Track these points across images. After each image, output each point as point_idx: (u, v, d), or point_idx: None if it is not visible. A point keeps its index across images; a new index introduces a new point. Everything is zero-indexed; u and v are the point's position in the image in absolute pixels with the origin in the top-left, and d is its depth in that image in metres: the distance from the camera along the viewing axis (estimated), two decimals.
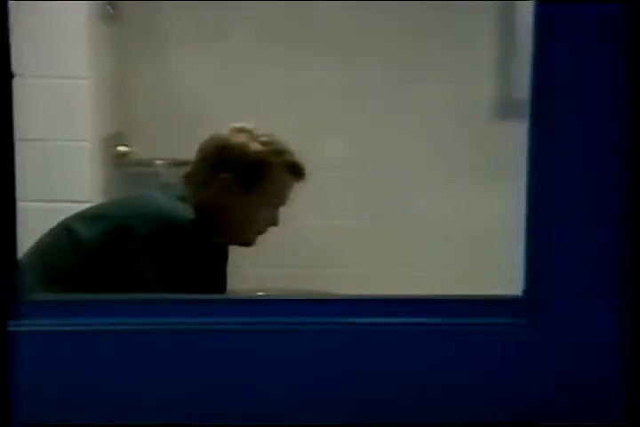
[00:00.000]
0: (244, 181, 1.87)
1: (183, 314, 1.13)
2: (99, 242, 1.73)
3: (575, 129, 1.11)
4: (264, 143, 1.89)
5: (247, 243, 1.95)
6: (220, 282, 1.95)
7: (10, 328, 1.08)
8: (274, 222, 1.94)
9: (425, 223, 2.78)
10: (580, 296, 1.13)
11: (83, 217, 1.82)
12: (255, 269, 2.66)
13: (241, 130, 1.91)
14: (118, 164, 2.68)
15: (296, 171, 1.91)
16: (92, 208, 1.92)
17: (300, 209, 2.73)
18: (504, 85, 2.77)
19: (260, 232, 1.94)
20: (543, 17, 1.10)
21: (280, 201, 1.94)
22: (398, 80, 2.76)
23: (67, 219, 1.83)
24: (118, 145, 2.70)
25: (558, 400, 1.13)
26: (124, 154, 2.71)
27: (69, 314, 1.12)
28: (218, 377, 1.13)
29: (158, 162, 2.71)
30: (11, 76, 1.06)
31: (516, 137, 2.45)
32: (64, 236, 1.78)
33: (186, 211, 1.80)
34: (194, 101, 2.75)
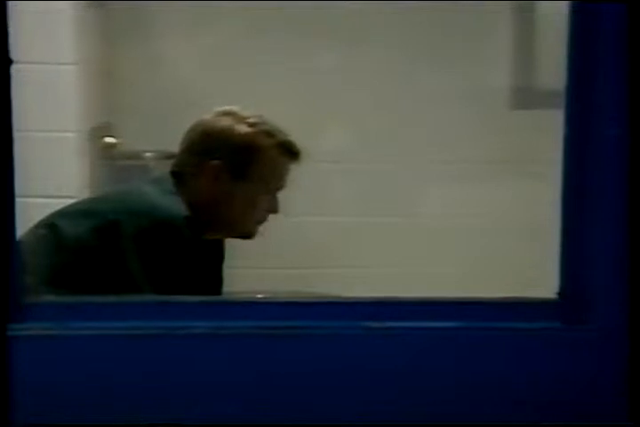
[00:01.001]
0: (234, 168, 1.84)
1: (188, 317, 1.12)
2: (85, 240, 1.70)
3: (615, 121, 1.09)
4: (251, 124, 1.85)
5: (248, 234, 1.91)
6: (215, 283, 1.94)
7: (10, 332, 1.08)
8: (274, 209, 1.91)
9: (436, 221, 2.78)
10: (620, 298, 1.10)
11: (67, 213, 1.80)
12: (252, 270, 2.66)
13: (225, 113, 1.87)
14: (105, 156, 2.66)
15: (290, 151, 1.87)
16: (77, 204, 1.90)
17: (299, 205, 2.74)
18: (523, 73, 2.75)
19: (261, 221, 1.91)
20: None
21: (277, 185, 1.91)
22: (407, 67, 2.75)
23: (50, 216, 1.80)
24: (105, 136, 2.68)
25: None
26: (111, 146, 2.69)
27: (70, 317, 1.12)
28: (222, 382, 1.12)
29: (148, 154, 2.68)
30: (9, 62, 1.04)
31: (535, 128, 2.43)
32: (47, 234, 1.75)
33: (178, 207, 1.77)
34: (185, 90, 2.73)
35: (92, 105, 2.59)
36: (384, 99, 2.77)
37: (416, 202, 2.86)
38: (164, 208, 1.74)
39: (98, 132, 2.64)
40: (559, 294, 1.13)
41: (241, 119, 1.86)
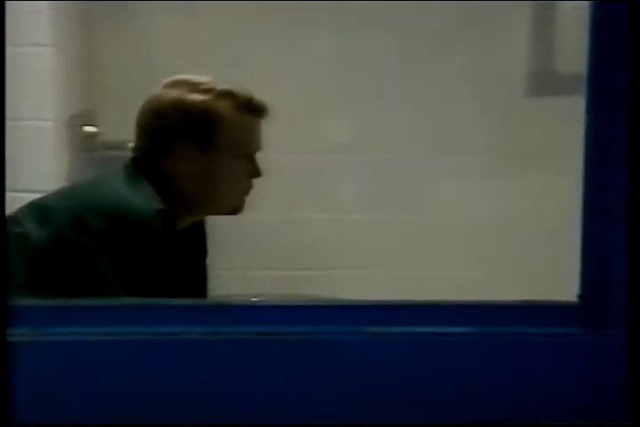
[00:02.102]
0: (199, 142, 1.84)
1: (175, 322, 1.12)
2: (49, 240, 1.70)
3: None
4: (204, 91, 1.85)
5: (236, 208, 1.92)
6: (198, 283, 1.94)
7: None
8: (255, 173, 1.91)
9: (444, 218, 2.78)
10: None
11: (33, 209, 1.80)
12: (247, 272, 2.66)
13: (174, 84, 1.86)
14: (86, 147, 2.67)
15: (252, 108, 1.87)
16: (41, 199, 1.88)
17: (300, 201, 2.75)
18: (540, 56, 2.75)
19: (246, 191, 1.91)
20: None
21: (251, 148, 1.91)
22: (416, 51, 2.74)
23: (17, 211, 1.80)
24: (85, 125, 2.69)
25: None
26: (92, 135, 2.69)
27: (46, 322, 1.11)
28: (212, 393, 1.11)
29: (131, 144, 2.69)
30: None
31: (554, 117, 2.43)
32: (13, 233, 1.74)
33: (149, 198, 1.77)
34: (171, 76, 2.73)
35: (71, 91, 2.58)
36: (389, 86, 2.77)
37: (422, 198, 2.85)
38: (132, 201, 1.74)
39: (77, 120, 2.64)
40: (580, 296, 1.12)
41: (192, 87, 1.85)
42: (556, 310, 1.13)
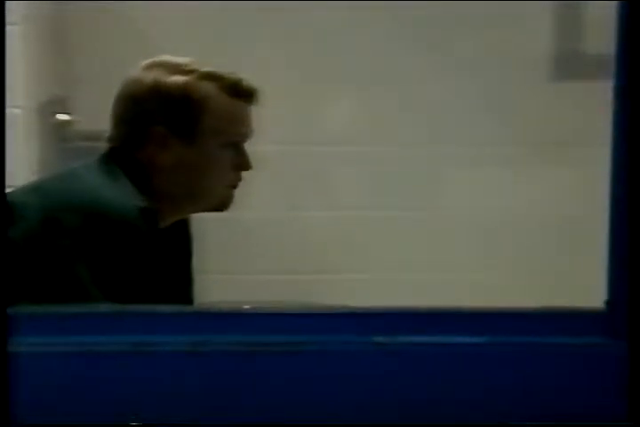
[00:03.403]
0: (180, 128, 1.84)
1: (161, 331, 1.13)
2: (21, 242, 1.69)
3: None
4: (186, 72, 1.85)
5: (223, 204, 1.93)
6: (183, 288, 1.96)
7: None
8: (243, 165, 1.91)
9: (459, 215, 2.78)
10: None
11: None
12: (238, 276, 2.66)
13: (152, 65, 1.87)
14: (58, 136, 2.68)
15: (240, 91, 1.87)
16: (10, 195, 1.84)
17: (299, 198, 2.75)
18: (566, 36, 2.75)
19: (234, 184, 1.91)
20: None
21: (239, 136, 1.91)
22: (430, 32, 2.74)
23: None
24: (58, 113, 2.70)
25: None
26: (65, 124, 2.70)
27: (23, 332, 1.12)
28: (201, 409, 1.12)
29: (107, 134, 2.69)
30: None
31: (581, 103, 2.44)
32: None
33: (128, 194, 1.77)
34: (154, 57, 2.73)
35: (42, 75, 2.59)
36: (399, 70, 2.77)
37: (434, 193, 2.86)
38: (110, 198, 1.74)
39: (49, 107, 2.65)
40: (607, 302, 1.13)
41: (172, 68, 1.85)
42: (579, 318, 1.13)
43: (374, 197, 2.85)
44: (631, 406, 1.10)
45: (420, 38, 2.75)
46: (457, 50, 2.75)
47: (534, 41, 2.77)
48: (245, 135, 1.91)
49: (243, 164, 1.90)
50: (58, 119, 2.69)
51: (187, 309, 1.54)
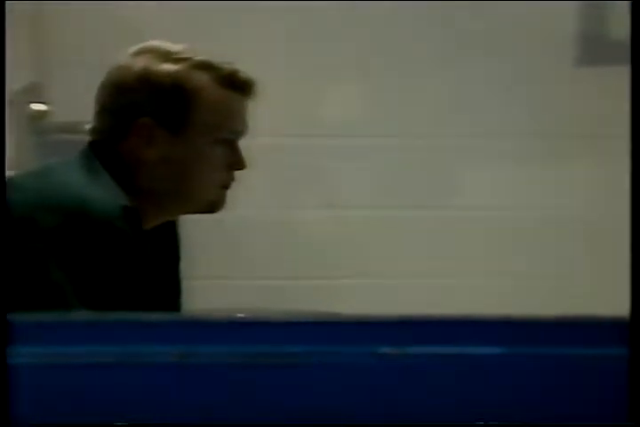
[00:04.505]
0: (169, 120, 1.85)
1: (149, 341, 1.13)
2: None
3: None
4: (178, 60, 1.86)
5: (214, 205, 1.93)
6: (170, 294, 1.97)
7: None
8: (237, 163, 1.92)
9: (475, 215, 2.78)
10: None
11: None
12: (229, 281, 2.67)
13: (142, 51, 1.88)
14: (34, 128, 2.69)
15: (236, 83, 1.89)
16: None
17: (297, 196, 2.75)
18: (593, 18, 2.76)
19: (226, 184, 1.92)
20: None
21: (233, 131, 1.92)
22: (442, 10, 2.75)
23: None
24: (33, 102, 2.71)
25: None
26: (41, 115, 2.71)
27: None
28: (195, 421, 1.13)
29: (89, 126, 2.69)
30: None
31: (608, 90, 2.45)
32: None
33: (111, 192, 1.79)
34: (141, 40, 2.73)
35: (15, 60, 2.59)
36: (410, 54, 2.77)
37: (450, 190, 2.86)
38: (91, 196, 1.75)
39: (23, 96, 2.65)
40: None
41: (163, 55, 1.87)
42: (604, 327, 1.13)
43: (379, 195, 2.86)
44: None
45: (434, 21, 2.76)
46: (474, 31, 2.76)
47: (557, 21, 2.77)
48: (240, 132, 1.92)
49: (236, 162, 1.91)
50: (33, 109, 2.70)
51: (174, 317, 1.54)
